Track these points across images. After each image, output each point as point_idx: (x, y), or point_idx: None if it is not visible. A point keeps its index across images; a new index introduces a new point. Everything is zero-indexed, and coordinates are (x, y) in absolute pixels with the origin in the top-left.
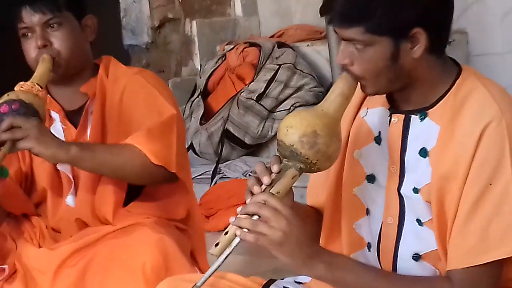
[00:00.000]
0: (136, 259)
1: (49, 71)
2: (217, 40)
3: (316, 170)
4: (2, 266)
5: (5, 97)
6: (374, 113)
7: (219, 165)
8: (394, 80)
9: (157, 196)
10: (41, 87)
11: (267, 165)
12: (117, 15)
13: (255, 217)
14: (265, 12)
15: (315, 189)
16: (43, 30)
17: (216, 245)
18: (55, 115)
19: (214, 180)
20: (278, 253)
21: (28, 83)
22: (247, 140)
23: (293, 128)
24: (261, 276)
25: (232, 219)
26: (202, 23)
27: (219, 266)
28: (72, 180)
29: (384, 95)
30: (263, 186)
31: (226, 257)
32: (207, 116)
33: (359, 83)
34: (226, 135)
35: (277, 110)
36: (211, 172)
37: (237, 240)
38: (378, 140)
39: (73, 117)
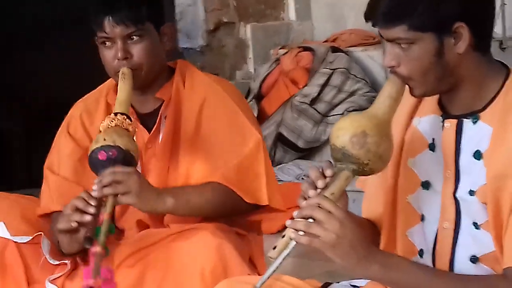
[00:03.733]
0: (195, 263)
1: (131, 89)
2: (271, 44)
3: (370, 172)
4: (64, 261)
5: (101, 140)
6: (426, 121)
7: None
8: (441, 78)
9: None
10: (130, 118)
11: (320, 170)
12: (173, 19)
13: (310, 220)
14: (319, 17)
15: (370, 202)
16: (124, 42)
17: (274, 248)
18: None
19: None
20: (332, 254)
21: (119, 116)
22: (300, 144)
23: (344, 130)
24: (316, 278)
25: (288, 222)
26: (256, 27)
27: (276, 268)
28: None
29: (435, 102)
30: (318, 190)
31: (284, 259)
32: (260, 119)
33: (407, 86)
34: (280, 138)
35: (331, 114)
36: None
37: (293, 242)
38: (432, 147)
39: (145, 120)
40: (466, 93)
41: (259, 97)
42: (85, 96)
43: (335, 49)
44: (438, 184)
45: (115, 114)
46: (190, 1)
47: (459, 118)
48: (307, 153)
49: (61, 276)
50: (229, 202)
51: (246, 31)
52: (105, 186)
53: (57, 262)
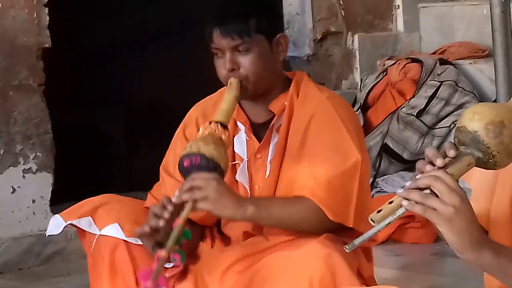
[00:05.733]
0: (304, 272)
1: (236, 99)
2: (378, 54)
3: (492, 165)
4: (176, 264)
5: (188, 148)
6: None
7: (376, 179)
8: None
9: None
10: (226, 127)
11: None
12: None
13: (426, 191)
14: (427, 28)
15: (476, 201)
16: (232, 53)
17: (379, 212)
18: (241, 125)
19: (371, 194)
20: (446, 229)
21: (212, 125)
22: (405, 156)
23: (480, 115)
24: None
25: (399, 191)
26: (363, 37)
27: (377, 232)
28: (249, 192)
29: None
30: (436, 167)
31: (387, 224)
32: (366, 129)
33: None
34: (385, 149)
35: (437, 127)
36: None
37: (401, 210)
38: None
39: (258, 130)
40: None
41: (365, 108)
42: (205, 98)
43: (443, 61)
44: None
45: (210, 122)
46: (298, 10)
47: None
48: (412, 165)
49: (172, 277)
50: (314, 218)
51: (354, 41)
52: (185, 192)
53: (170, 265)
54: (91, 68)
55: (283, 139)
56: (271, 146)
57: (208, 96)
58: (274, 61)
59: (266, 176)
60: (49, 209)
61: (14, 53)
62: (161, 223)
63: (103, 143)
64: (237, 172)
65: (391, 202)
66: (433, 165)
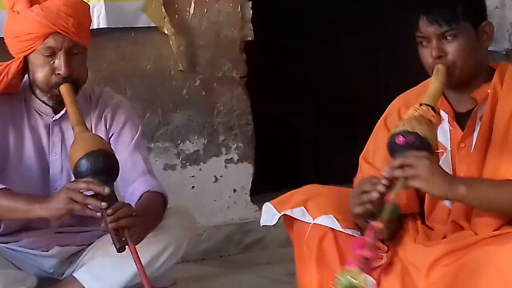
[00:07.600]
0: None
1: (443, 85)
2: None
3: None
4: (381, 253)
5: (401, 126)
6: None
7: None
8: None
9: None
10: (435, 111)
11: None
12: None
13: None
14: None
15: None
16: (439, 41)
17: None
18: (444, 115)
19: None
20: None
21: (423, 107)
22: None
23: None
24: None
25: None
26: None
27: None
28: None
29: None
30: None
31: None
32: None
33: None
34: None
35: None
36: None
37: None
38: None
39: (460, 119)
40: None
41: None
42: (408, 90)
43: None
44: None
45: (420, 104)
46: (498, 3)
47: None
48: None
49: (377, 268)
50: None
51: None
52: (396, 169)
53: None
54: (284, 61)
55: (487, 128)
56: (474, 135)
57: (411, 89)
58: (479, 49)
59: (472, 165)
60: (249, 199)
61: (218, 46)
62: (375, 194)
63: (292, 135)
64: (440, 161)
65: None
66: None
